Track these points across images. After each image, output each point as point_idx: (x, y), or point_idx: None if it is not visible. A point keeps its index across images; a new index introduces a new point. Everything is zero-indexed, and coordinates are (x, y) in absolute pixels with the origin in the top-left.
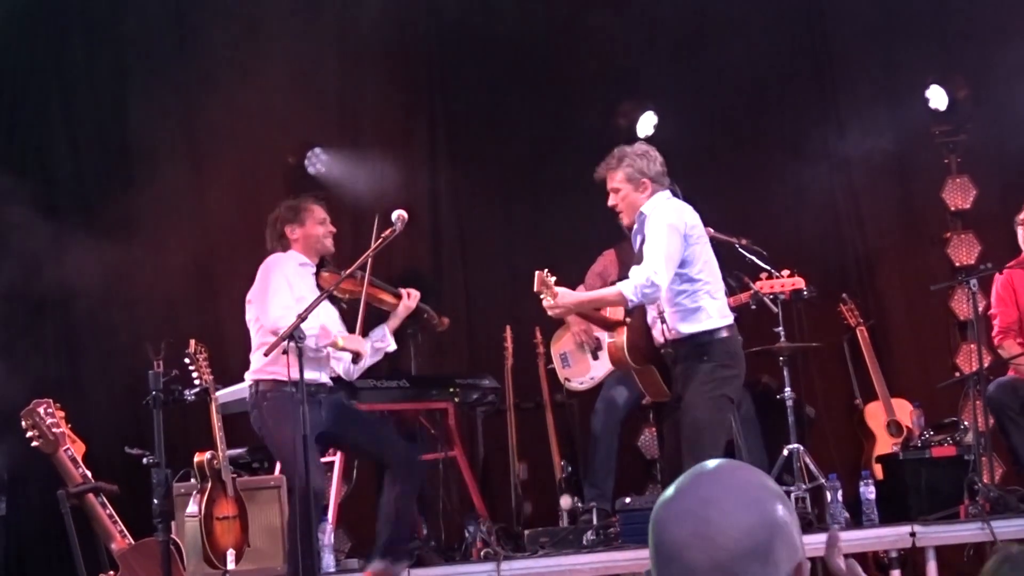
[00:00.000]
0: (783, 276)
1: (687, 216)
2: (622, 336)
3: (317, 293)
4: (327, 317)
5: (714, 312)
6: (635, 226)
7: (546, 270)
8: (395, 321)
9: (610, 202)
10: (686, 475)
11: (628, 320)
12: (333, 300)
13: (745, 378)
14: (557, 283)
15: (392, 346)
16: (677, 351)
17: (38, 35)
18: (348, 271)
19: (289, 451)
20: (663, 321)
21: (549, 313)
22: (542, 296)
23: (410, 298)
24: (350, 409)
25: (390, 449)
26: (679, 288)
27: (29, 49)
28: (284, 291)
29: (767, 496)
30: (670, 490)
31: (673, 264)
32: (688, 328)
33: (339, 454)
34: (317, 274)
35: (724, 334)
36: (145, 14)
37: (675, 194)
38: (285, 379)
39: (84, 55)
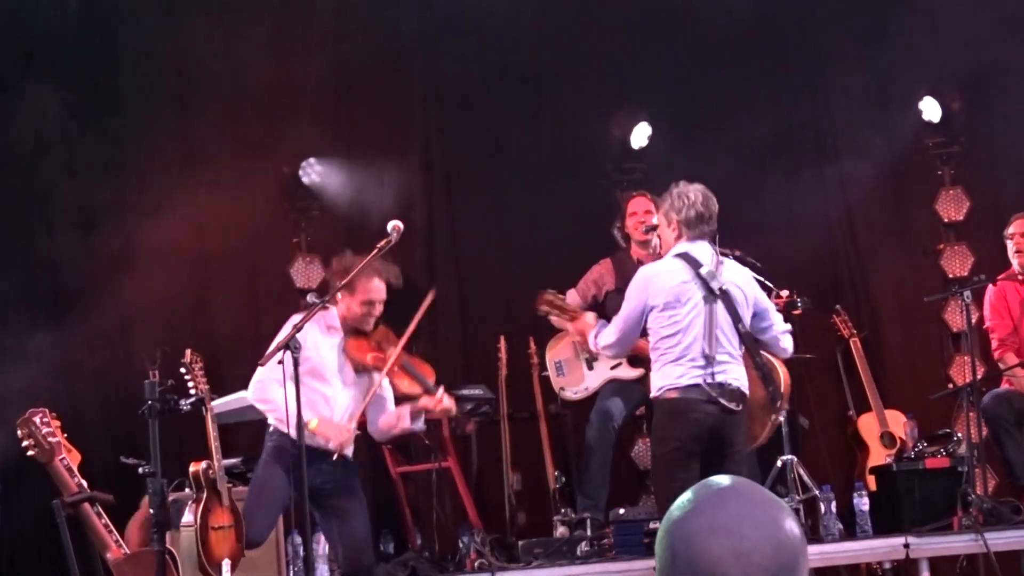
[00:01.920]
0: (782, 296)
1: (660, 282)
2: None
3: (336, 360)
4: (338, 392)
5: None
6: None
7: None
8: (420, 412)
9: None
10: (703, 490)
11: None
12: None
13: None
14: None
15: (418, 427)
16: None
17: (33, 55)
18: (384, 355)
19: (252, 499)
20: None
21: None
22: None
23: (439, 406)
24: (347, 495)
25: (352, 553)
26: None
27: (24, 65)
28: (274, 365)
29: (785, 513)
30: (687, 505)
31: (623, 333)
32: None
33: None
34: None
35: (669, 395)
36: (137, 23)
37: (713, 241)
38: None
39: (79, 69)
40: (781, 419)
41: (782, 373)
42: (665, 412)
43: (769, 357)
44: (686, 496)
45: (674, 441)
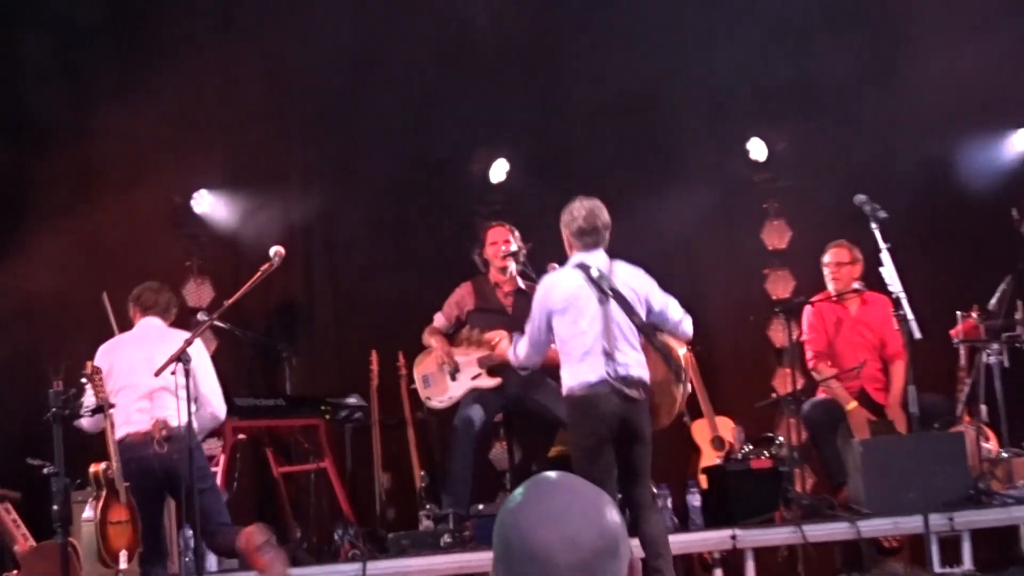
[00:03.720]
0: None
1: (558, 289)
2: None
3: None
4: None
5: (567, 377)
6: None
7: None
8: None
9: None
10: (532, 485)
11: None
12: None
13: None
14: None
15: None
16: None
17: None
18: None
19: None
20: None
21: None
22: None
23: None
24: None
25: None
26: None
27: None
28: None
29: (607, 503)
30: (518, 498)
31: (533, 341)
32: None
33: (222, 459)
34: None
35: (579, 393)
36: (37, 54)
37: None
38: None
39: None
40: (689, 389)
41: (679, 349)
42: (578, 408)
43: (665, 339)
44: (519, 490)
45: (591, 436)
